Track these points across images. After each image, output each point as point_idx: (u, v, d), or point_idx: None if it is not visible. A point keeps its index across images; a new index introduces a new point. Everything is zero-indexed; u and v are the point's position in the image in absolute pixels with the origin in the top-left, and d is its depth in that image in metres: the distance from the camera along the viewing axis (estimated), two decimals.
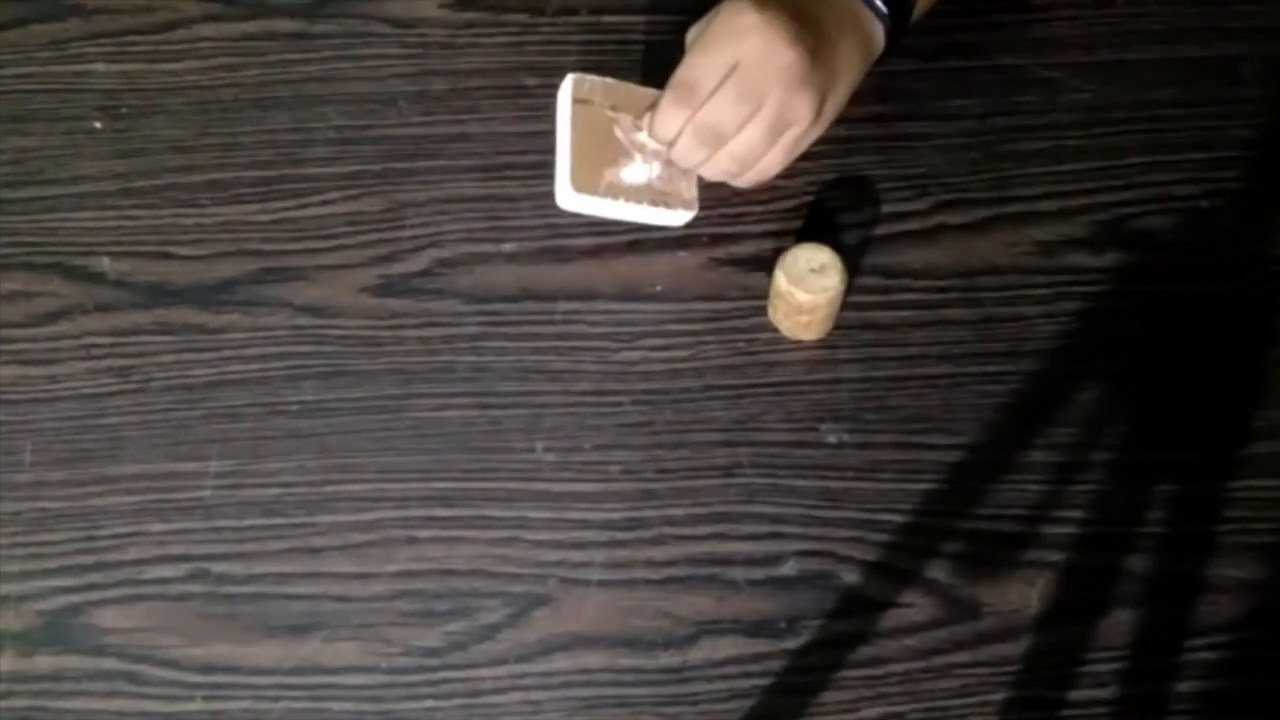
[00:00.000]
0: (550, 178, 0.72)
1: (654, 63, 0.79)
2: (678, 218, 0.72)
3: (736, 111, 0.68)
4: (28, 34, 0.81)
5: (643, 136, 0.71)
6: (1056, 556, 0.67)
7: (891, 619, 0.66)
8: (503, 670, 0.65)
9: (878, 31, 0.72)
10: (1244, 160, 0.77)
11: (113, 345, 0.72)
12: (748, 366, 0.71)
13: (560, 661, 0.65)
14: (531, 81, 0.79)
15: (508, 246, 0.74)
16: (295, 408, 0.70)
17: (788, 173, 0.76)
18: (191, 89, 0.79)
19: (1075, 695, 0.64)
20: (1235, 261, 0.75)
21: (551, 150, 0.73)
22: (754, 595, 0.66)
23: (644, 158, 0.71)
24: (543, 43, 0.80)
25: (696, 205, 0.72)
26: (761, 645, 0.65)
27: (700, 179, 0.73)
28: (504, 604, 0.66)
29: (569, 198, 0.70)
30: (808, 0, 0.69)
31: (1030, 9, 0.81)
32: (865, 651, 0.65)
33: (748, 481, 0.69)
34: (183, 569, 0.67)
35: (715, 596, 0.66)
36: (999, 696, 0.64)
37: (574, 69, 0.75)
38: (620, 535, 0.67)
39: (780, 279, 0.69)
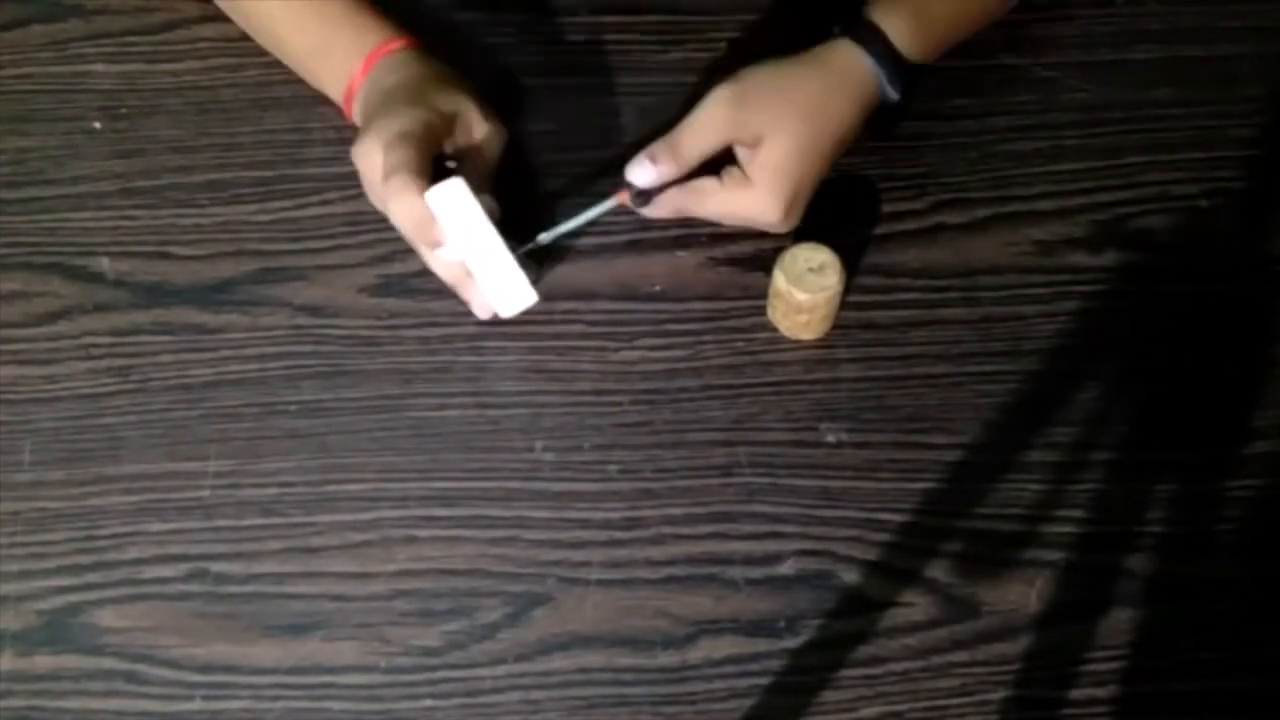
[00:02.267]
0: (549, 179, 0.72)
1: (653, 63, 0.79)
2: (521, 296, 0.67)
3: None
4: (28, 34, 0.81)
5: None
6: (1056, 556, 0.67)
7: (891, 618, 0.66)
8: (501, 670, 0.65)
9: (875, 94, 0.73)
10: (1243, 160, 0.77)
11: (112, 345, 0.72)
12: (746, 366, 0.71)
13: (559, 661, 0.65)
14: (529, 82, 0.79)
15: None
16: (294, 407, 0.70)
17: None
18: (191, 89, 0.79)
19: (1074, 695, 0.64)
20: (1235, 261, 0.75)
21: (546, 151, 0.73)
22: (753, 595, 0.66)
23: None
24: (542, 43, 0.80)
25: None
26: (760, 645, 0.65)
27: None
28: (503, 603, 0.66)
29: (449, 187, 0.64)
30: (820, 97, 0.70)
31: (1030, 9, 0.81)
32: (864, 651, 0.65)
33: (747, 481, 0.68)
34: (182, 569, 0.67)
35: (714, 596, 0.66)
36: (998, 696, 0.64)
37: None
38: (619, 535, 0.67)
39: (779, 278, 0.69)
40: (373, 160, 0.67)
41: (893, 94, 0.72)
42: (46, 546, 0.67)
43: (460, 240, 0.66)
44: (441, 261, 0.69)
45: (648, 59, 0.80)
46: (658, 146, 0.69)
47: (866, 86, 0.71)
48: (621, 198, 0.71)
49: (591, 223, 0.71)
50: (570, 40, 0.81)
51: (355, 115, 0.73)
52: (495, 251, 0.66)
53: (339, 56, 0.73)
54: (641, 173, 0.69)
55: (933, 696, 0.64)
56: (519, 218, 0.70)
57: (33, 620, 0.66)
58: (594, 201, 0.70)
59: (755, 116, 0.68)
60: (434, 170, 0.67)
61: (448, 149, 0.69)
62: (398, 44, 0.72)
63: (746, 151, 0.70)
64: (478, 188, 0.66)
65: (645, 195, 0.71)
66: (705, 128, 0.69)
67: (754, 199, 0.70)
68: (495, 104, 0.72)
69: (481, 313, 0.71)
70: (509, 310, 0.68)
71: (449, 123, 0.69)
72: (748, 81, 0.69)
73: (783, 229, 0.71)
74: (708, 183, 0.71)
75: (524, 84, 0.79)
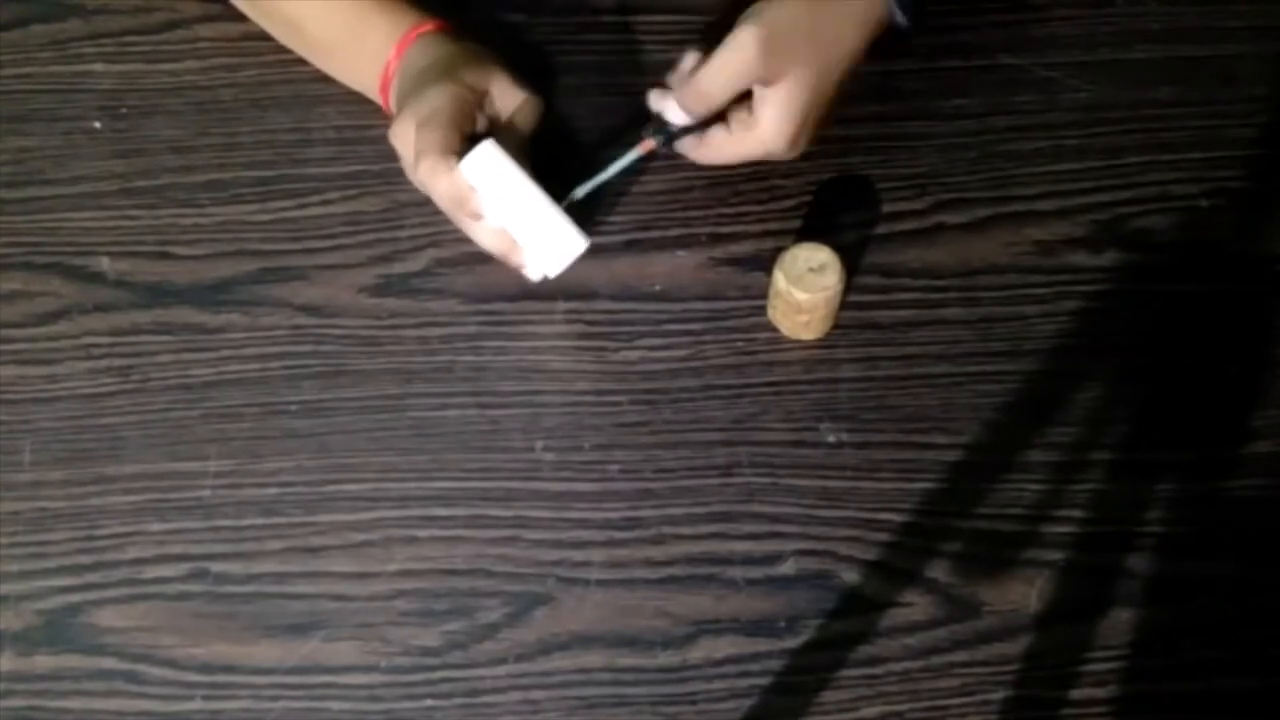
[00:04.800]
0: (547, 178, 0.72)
1: (652, 63, 0.79)
2: (572, 244, 0.68)
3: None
4: (28, 34, 0.81)
5: None
6: (1056, 556, 0.67)
7: (891, 618, 0.66)
8: (502, 670, 0.65)
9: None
10: (1243, 159, 0.77)
11: (112, 345, 0.72)
12: (747, 366, 0.71)
13: (559, 661, 0.65)
14: (530, 82, 0.79)
15: None
16: (294, 407, 0.70)
17: (787, 172, 0.76)
18: (190, 89, 0.79)
19: (1075, 695, 0.64)
20: (1235, 261, 0.75)
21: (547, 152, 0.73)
22: (753, 595, 0.66)
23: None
24: (541, 42, 0.80)
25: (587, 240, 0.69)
26: (761, 645, 0.65)
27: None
28: (503, 603, 0.66)
29: (481, 153, 0.66)
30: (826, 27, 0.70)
31: (1030, 9, 0.81)
32: (864, 651, 0.65)
33: (747, 481, 0.68)
34: (182, 568, 0.67)
35: (714, 596, 0.66)
36: (998, 696, 0.64)
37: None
38: (619, 535, 0.67)
39: (779, 278, 0.69)
40: (407, 141, 0.68)
41: (902, 19, 0.73)
42: (46, 546, 0.67)
43: (501, 203, 0.67)
44: (486, 231, 0.69)
45: (646, 59, 0.80)
46: (685, 93, 0.70)
47: (876, 11, 0.72)
48: (646, 146, 0.71)
49: (622, 173, 0.71)
50: (570, 40, 0.81)
51: (391, 103, 0.73)
52: (539, 204, 0.67)
53: (370, 46, 0.73)
54: (672, 113, 0.71)
55: (933, 696, 0.64)
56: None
57: (33, 620, 0.66)
58: (622, 154, 0.71)
59: (780, 60, 0.68)
60: (469, 145, 0.67)
61: (480, 124, 0.70)
62: (428, 27, 0.73)
63: (760, 90, 0.70)
64: (516, 159, 0.67)
65: (668, 139, 0.72)
66: (732, 72, 0.69)
67: (761, 141, 0.71)
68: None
69: (534, 275, 0.71)
70: (561, 264, 0.69)
71: (480, 96, 0.69)
72: (774, 22, 0.68)
73: (791, 156, 0.72)
74: (717, 134, 0.72)
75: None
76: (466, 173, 0.66)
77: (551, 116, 0.75)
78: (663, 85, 0.73)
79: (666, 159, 0.74)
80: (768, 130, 0.70)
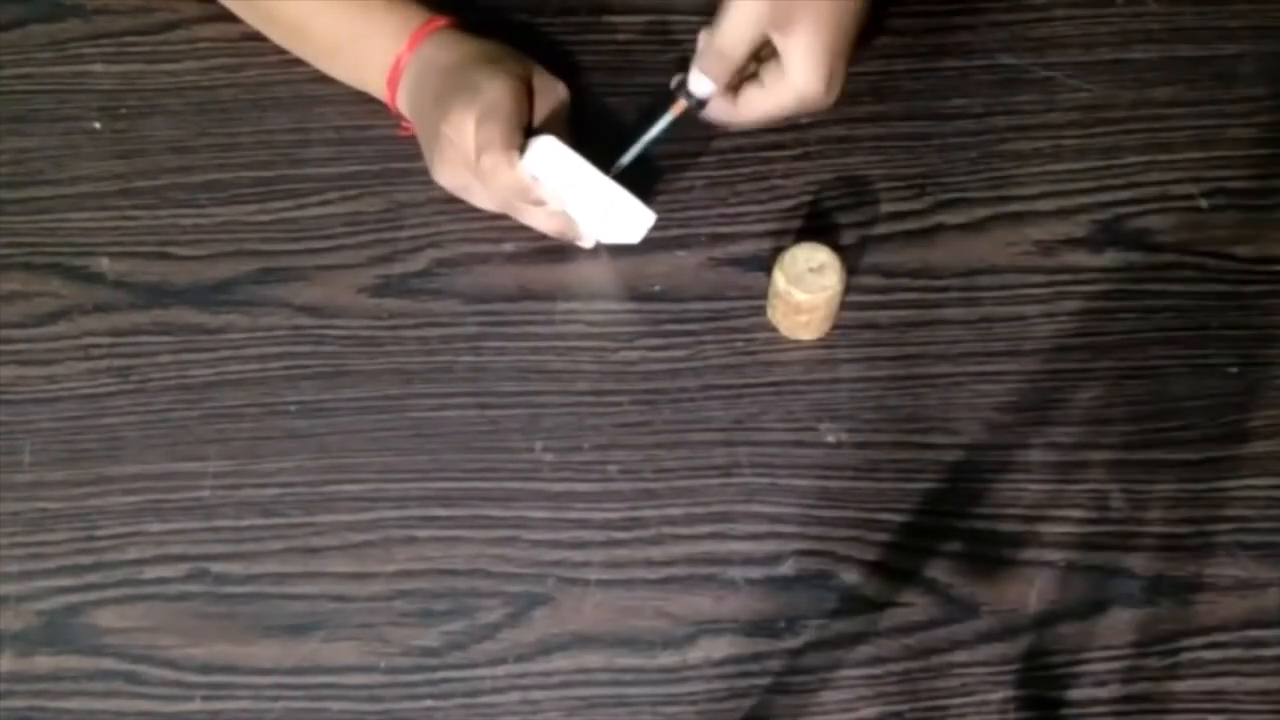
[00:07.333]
0: None
1: (653, 63, 0.79)
2: (641, 218, 0.70)
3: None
4: (28, 34, 0.81)
5: None
6: (1056, 556, 0.67)
7: (890, 618, 0.66)
8: (501, 670, 0.65)
9: None
10: (1243, 159, 0.77)
11: (112, 345, 0.72)
12: (746, 366, 0.71)
13: (559, 661, 0.65)
14: None
15: (507, 246, 0.74)
16: (294, 408, 0.70)
17: (786, 172, 0.76)
18: (190, 89, 0.79)
19: (1075, 695, 0.64)
20: (1235, 261, 0.75)
21: None
22: (753, 595, 0.66)
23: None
24: (543, 43, 0.80)
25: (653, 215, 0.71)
26: (760, 645, 0.65)
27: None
28: (503, 604, 0.66)
29: (542, 147, 0.67)
30: None
31: (1030, 9, 0.81)
32: (864, 651, 0.65)
33: (746, 481, 0.69)
34: (181, 569, 0.67)
35: (714, 596, 0.66)
36: (998, 696, 0.64)
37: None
38: (619, 535, 0.67)
39: (779, 279, 0.69)
40: (463, 133, 0.68)
41: None
42: (46, 546, 0.67)
43: (564, 190, 0.68)
44: (544, 215, 0.71)
45: (647, 59, 0.80)
46: (704, 59, 0.70)
47: None
48: (679, 108, 0.72)
49: (660, 138, 0.72)
50: (570, 40, 0.81)
51: (402, 98, 0.73)
52: (603, 188, 0.68)
53: (379, 41, 0.73)
54: (700, 84, 0.71)
55: (933, 696, 0.64)
56: None
57: (33, 620, 0.66)
58: (656, 119, 0.72)
59: (787, 2, 0.68)
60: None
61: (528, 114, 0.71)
62: (441, 22, 0.73)
63: (780, 38, 0.70)
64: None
65: (699, 105, 0.72)
66: (742, 22, 0.69)
67: (796, 89, 0.71)
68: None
69: (589, 244, 0.73)
70: (635, 236, 0.71)
71: (529, 88, 0.70)
72: None
73: (828, 103, 0.72)
74: (751, 92, 0.72)
75: None
76: (529, 166, 0.68)
77: None
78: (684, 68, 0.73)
79: (670, 156, 0.74)
80: (799, 75, 0.70)
